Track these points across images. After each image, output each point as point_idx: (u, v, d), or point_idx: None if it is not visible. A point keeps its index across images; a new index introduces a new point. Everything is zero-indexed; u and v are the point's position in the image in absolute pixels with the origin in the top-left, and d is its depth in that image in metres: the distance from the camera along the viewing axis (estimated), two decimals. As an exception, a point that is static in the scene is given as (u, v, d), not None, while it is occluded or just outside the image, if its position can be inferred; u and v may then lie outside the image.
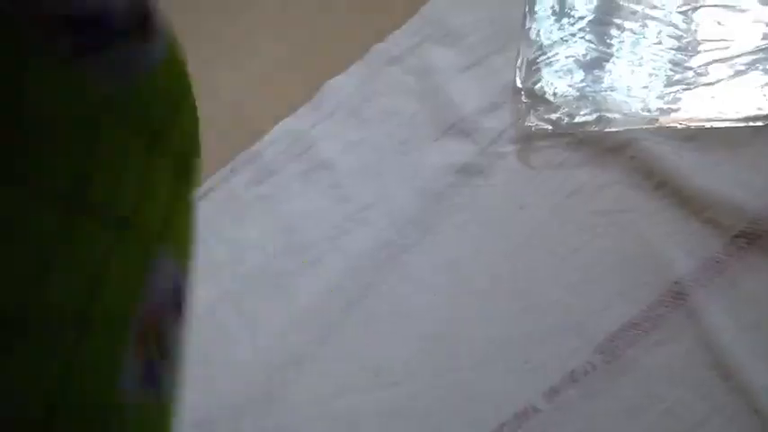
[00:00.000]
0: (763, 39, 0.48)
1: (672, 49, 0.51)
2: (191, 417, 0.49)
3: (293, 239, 0.57)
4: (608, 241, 0.46)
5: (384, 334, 0.50)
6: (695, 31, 0.50)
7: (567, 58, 0.53)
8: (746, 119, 0.47)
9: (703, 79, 0.49)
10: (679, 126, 0.49)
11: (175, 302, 0.25)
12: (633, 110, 0.50)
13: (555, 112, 0.51)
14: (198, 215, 0.25)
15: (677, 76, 0.50)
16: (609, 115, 0.50)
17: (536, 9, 0.55)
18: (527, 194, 0.51)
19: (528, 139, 0.53)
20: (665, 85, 0.50)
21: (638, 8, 0.52)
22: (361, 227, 0.56)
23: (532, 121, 0.51)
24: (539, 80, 0.53)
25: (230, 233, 0.60)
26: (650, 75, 0.51)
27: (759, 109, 0.47)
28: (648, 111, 0.50)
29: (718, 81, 0.48)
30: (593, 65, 0.52)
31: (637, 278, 0.44)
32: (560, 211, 0.49)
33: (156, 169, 0.23)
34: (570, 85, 0.52)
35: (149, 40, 0.22)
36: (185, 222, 0.26)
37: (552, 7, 0.55)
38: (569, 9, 0.54)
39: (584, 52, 0.53)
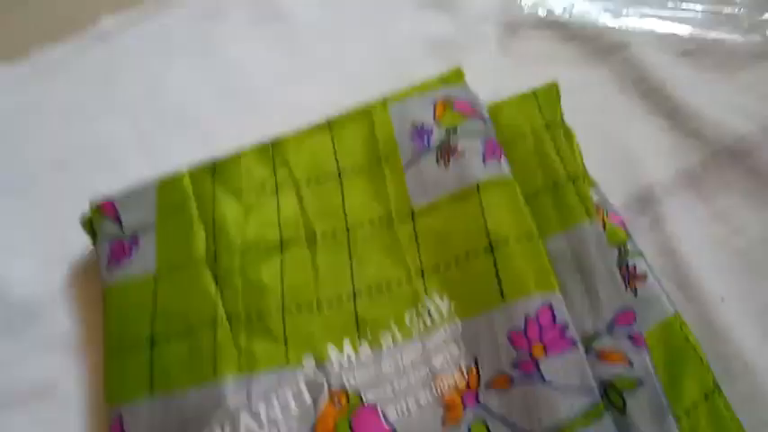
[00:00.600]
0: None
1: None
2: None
3: (228, 85, 0.50)
4: (583, 140, 0.41)
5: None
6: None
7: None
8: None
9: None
10: (680, 33, 0.44)
11: None
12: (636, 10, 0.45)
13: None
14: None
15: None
16: (610, 12, 0.45)
17: None
18: (502, 83, 0.45)
19: (515, 26, 0.47)
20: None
21: None
22: (310, 84, 0.49)
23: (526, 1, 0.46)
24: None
25: (157, 68, 0.52)
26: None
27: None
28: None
29: None
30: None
31: (607, 180, 0.40)
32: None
33: None
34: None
35: None
36: None
37: None
38: None
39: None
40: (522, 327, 0.34)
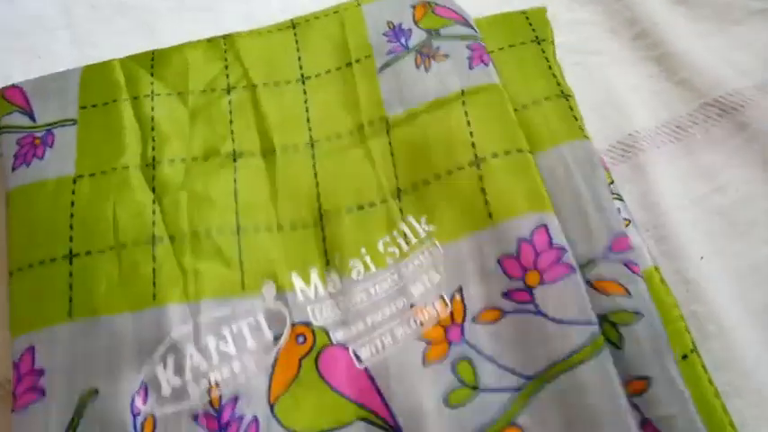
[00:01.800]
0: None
1: None
2: None
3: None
4: (568, 80, 0.38)
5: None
6: None
7: None
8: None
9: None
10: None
11: None
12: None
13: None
14: None
15: None
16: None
17: None
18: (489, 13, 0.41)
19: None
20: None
21: None
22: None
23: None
24: None
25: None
26: None
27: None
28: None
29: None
30: None
31: (590, 122, 0.36)
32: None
33: None
34: None
35: None
36: None
37: None
38: None
39: None
40: (515, 251, 0.31)
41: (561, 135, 0.34)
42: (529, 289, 0.30)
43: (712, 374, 0.30)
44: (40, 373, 0.30)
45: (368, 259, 0.33)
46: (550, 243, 0.31)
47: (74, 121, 0.36)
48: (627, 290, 0.30)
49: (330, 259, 0.33)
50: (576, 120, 0.35)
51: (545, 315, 0.29)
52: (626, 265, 0.30)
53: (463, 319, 0.31)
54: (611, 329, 0.29)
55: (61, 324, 0.31)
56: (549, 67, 0.37)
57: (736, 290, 0.33)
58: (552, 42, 0.39)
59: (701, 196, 0.36)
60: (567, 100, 0.36)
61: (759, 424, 0.30)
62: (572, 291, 0.29)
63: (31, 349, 0.30)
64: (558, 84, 0.36)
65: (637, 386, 0.28)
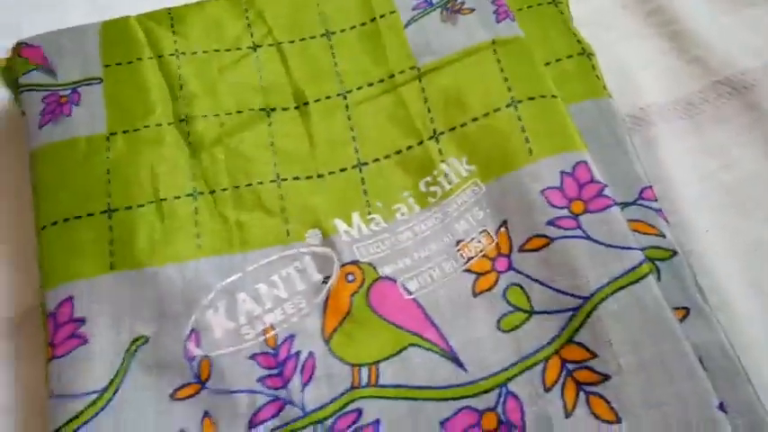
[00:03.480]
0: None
1: None
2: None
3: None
4: None
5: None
6: None
7: None
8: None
9: None
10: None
11: None
12: None
13: None
14: None
15: None
16: None
17: None
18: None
19: None
20: None
21: None
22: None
23: None
24: None
25: None
26: None
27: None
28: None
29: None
30: None
31: None
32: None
33: None
34: None
35: None
36: None
37: None
38: None
39: None
40: (559, 183, 0.32)
41: (585, 92, 0.36)
42: (575, 216, 0.31)
43: None
44: (81, 321, 0.30)
45: (411, 201, 0.34)
46: (592, 178, 0.32)
47: (99, 80, 0.36)
48: (661, 231, 0.32)
49: (372, 203, 0.34)
50: (599, 78, 0.37)
51: (593, 239, 0.31)
52: (656, 211, 0.33)
53: (510, 250, 0.32)
54: (651, 266, 0.31)
55: (103, 275, 0.31)
56: (569, 28, 0.38)
57: (738, 264, 0.35)
58: (567, 5, 0.40)
59: (709, 173, 0.38)
60: (590, 59, 0.37)
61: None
62: (617, 220, 0.31)
63: (70, 299, 0.30)
64: (579, 42, 0.38)
65: (677, 315, 0.30)
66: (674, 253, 0.32)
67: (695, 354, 0.29)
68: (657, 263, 0.31)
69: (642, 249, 0.31)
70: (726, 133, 0.39)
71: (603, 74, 0.39)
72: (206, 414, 0.29)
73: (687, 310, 0.30)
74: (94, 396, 0.28)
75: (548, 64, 0.37)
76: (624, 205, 0.33)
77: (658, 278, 0.31)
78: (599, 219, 0.31)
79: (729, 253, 0.35)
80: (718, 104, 0.40)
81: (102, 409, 0.28)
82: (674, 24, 0.43)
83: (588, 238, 0.31)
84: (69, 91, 0.35)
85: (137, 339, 0.30)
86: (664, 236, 0.32)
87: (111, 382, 0.29)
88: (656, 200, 0.33)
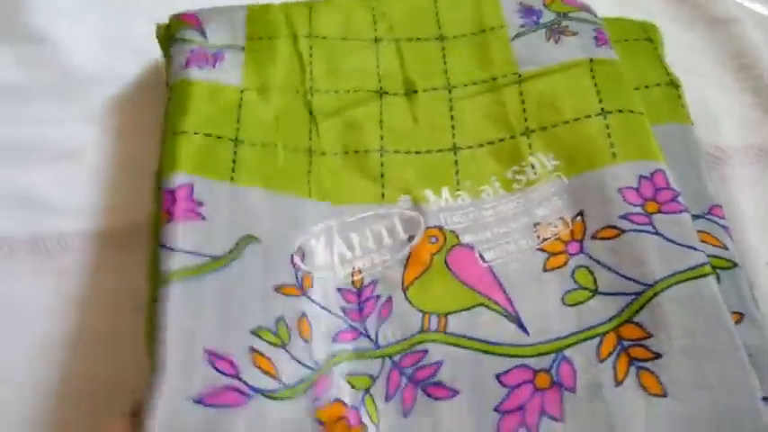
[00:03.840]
0: None
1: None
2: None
3: None
4: None
5: None
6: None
7: None
8: None
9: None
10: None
11: None
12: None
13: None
14: None
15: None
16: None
17: None
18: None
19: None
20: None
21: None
22: None
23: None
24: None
25: None
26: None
27: None
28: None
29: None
30: None
31: None
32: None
33: None
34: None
35: None
36: None
37: None
38: None
39: None
40: (636, 185, 0.35)
41: (669, 116, 0.40)
42: (648, 215, 0.34)
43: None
44: (200, 203, 0.33)
45: (497, 185, 0.37)
46: (668, 185, 0.35)
47: (242, 48, 0.41)
48: (724, 244, 0.35)
49: (461, 182, 0.38)
50: (683, 107, 0.40)
51: (663, 236, 0.33)
52: (724, 227, 0.35)
53: (583, 237, 0.35)
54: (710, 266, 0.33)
55: (222, 182, 0.34)
56: (660, 60, 0.43)
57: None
58: (662, 45, 0.44)
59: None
60: (677, 89, 0.41)
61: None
62: (686, 224, 0.34)
63: (191, 185, 0.33)
64: (668, 74, 0.42)
65: (734, 318, 0.32)
66: (735, 265, 0.34)
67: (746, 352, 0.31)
68: (718, 271, 0.34)
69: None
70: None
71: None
72: (303, 314, 0.31)
73: (742, 315, 0.32)
74: (207, 259, 0.31)
75: (636, 89, 0.41)
76: (694, 217, 0.35)
77: (718, 282, 0.33)
78: (670, 220, 0.34)
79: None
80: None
81: (216, 271, 0.31)
82: (760, 81, 0.46)
83: (658, 234, 0.33)
84: (215, 51, 0.40)
85: (250, 236, 0.33)
86: (727, 248, 0.35)
87: (227, 255, 0.31)
88: (724, 218, 0.36)
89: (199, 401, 0.27)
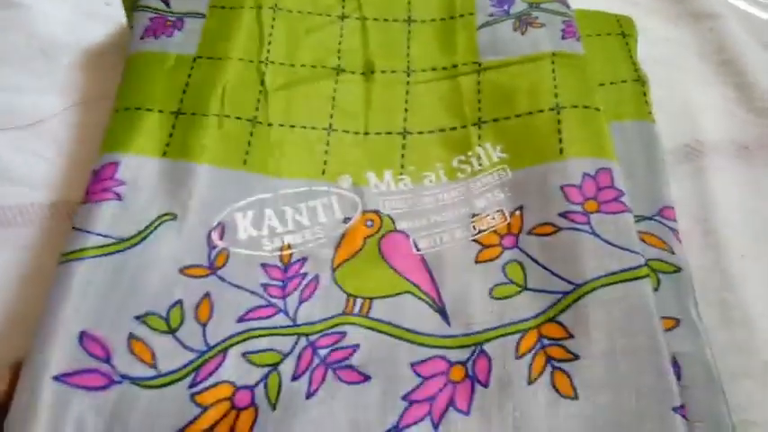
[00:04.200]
0: None
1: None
2: None
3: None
4: (653, 87, 0.41)
5: None
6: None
7: None
8: None
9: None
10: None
11: None
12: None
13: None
14: None
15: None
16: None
17: None
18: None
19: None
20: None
21: None
22: None
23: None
24: None
25: None
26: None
27: None
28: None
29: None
30: None
31: (664, 124, 0.39)
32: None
33: None
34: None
35: None
36: None
37: None
38: None
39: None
40: (579, 182, 0.33)
41: (632, 113, 0.38)
42: (586, 213, 0.33)
43: (730, 356, 0.32)
44: (120, 182, 0.33)
45: (441, 172, 0.36)
46: (612, 184, 0.34)
47: (203, 15, 0.41)
48: (670, 248, 0.33)
49: (405, 166, 0.37)
50: (647, 104, 0.39)
51: (599, 236, 0.32)
52: (672, 230, 0.34)
53: (519, 231, 0.34)
54: (651, 274, 0.32)
55: (152, 157, 0.34)
56: (630, 56, 0.41)
57: (766, 291, 0.34)
58: (635, 40, 0.42)
59: (754, 207, 0.38)
60: (643, 86, 0.39)
61: (765, 407, 0.31)
62: (626, 225, 0.32)
63: (115, 164, 0.33)
64: (636, 70, 0.40)
65: (668, 324, 0.31)
66: (679, 269, 0.32)
67: (674, 358, 0.29)
68: (660, 274, 0.32)
69: (647, 259, 0.32)
70: (777, 176, 0.39)
71: (666, 105, 0.41)
72: (206, 295, 0.31)
73: (678, 321, 0.31)
74: (112, 240, 0.31)
75: (602, 85, 0.40)
76: (643, 218, 0.34)
77: (657, 288, 0.32)
78: (609, 220, 0.32)
79: (760, 279, 0.35)
80: (772, 154, 0.40)
81: (113, 253, 0.30)
82: (742, 77, 0.44)
83: (594, 234, 0.32)
84: (175, 18, 0.40)
85: (166, 214, 0.32)
86: (673, 252, 0.33)
87: (131, 237, 0.31)
88: (675, 220, 0.34)
89: (57, 378, 0.26)
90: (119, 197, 0.32)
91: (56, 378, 0.27)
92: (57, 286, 0.29)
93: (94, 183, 0.33)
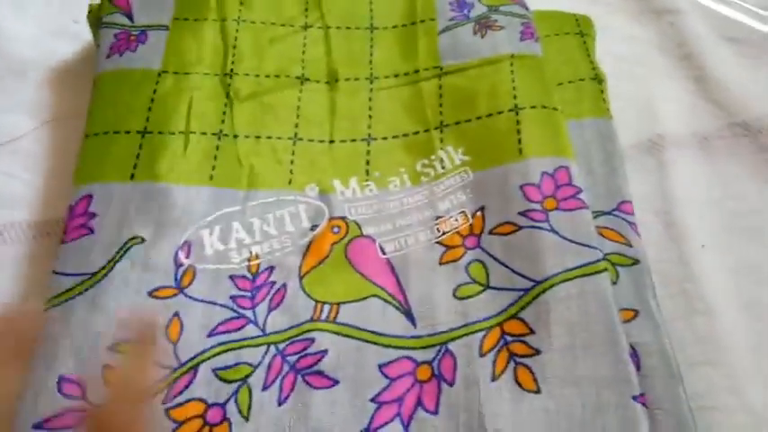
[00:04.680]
0: None
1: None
2: None
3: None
4: (614, 83, 0.42)
5: None
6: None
7: None
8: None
9: None
10: (733, 18, 0.47)
11: None
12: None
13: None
14: None
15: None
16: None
17: None
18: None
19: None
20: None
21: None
22: None
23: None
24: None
25: None
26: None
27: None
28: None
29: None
30: None
31: (626, 119, 0.41)
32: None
33: None
34: None
35: None
36: None
37: None
38: None
39: None
40: (538, 181, 0.34)
41: (590, 111, 0.39)
42: (545, 211, 0.33)
43: (692, 345, 0.33)
44: (92, 215, 0.34)
45: (405, 177, 0.37)
46: (570, 181, 0.34)
47: (166, 28, 0.41)
48: (628, 241, 0.34)
49: (371, 173, 0.37)
50: (605, 102, 0.39)
51: (557, 233, 0.33)
52: (630, 224, 0.35)
53: (481, 231, 0.34)
54: (610, 267, 0.33)
55: (121, 183, 0.35)
56: (588, 55, 0.42)
57: (729, 280, 0.35)
58: (593, 38, 0.43)
59: (714, 199, 0.38)
60: (600, 84, 0.40)
61: (725, 394, 0.31)
62: (584, 221, 0.33)
63: (89, 197, 0.34)
64: (594, 69, 0.41)
65: (626, 315, 0.32)
66: (637, 262, 0.33)
67: (633, 348, 0.30)
68: (618, 268, 0.33)
69: (606, 253, 0.33)
70: (736, 168, 0.40)
71: (630, 101, 0.42)
72: (176, 315, 0.31)
73: (637, 312, 0.32)
74: (85, 277, 0.32)
75: (560, 84, 0.40)
76: (601, 213, 0.35)
77: (615, 281, 0.33)
78: (567, 216, 0.33)
79: (721, 269, 0.36)
80: (732, 142, 0.41)
81: (87, 290, 0.31)
82: (703, 70, 0.45)
83: (553, 231, 0.33)
84: (139, 32, 0.41)
85: (134, 238, 0.33)
86: (630, 245, 0.34)
87: (102, 269, 0.32)
88: (633, 214, 0.35)
89: (38, 426, 0.28)
90: (91, 231, 0.33)
91: (36, 426, 0.28)
92: (42, 336, 0.30)
93: (70, 220, 0.34)
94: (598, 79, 0.40)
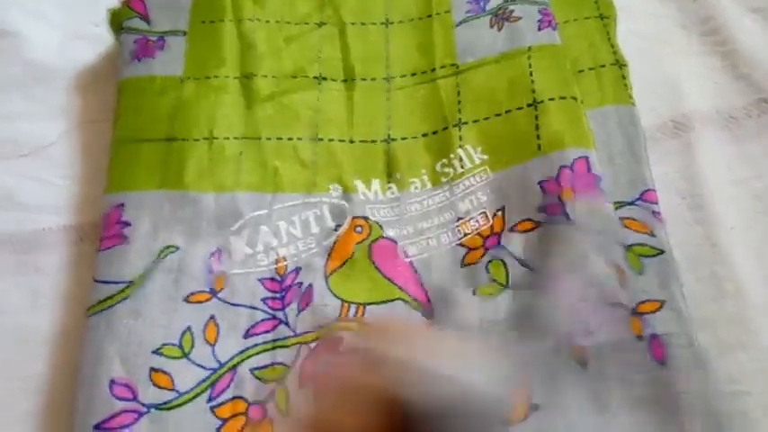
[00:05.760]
0: None
1: None
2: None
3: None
4: (637, 63, 0.41)
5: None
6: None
7: None
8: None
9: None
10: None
11: None
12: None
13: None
14: None
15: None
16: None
17: None
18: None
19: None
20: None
21: None
22: None
23: None
24: None
25: None
26: None
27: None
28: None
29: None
30: None
31: (650, 101, 0.40)
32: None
33: None
34: None
35: None
36: None
37: None
38: None
39: None
40: (555, 175, 0.34)
41: (611, 98, 0.39)
42: (562, 203, 0.34)
43: (723, 328, 0.33)
44: (126, 224, 0.35)
45: (425, 178, 0.37)
46: (588, 170, 0.34)
47: (184, 33, 0.42)
48: (652, 231, 0.34)
49: (392, 174, 0.38)
50: (627, 87, 0.39)
51: (572, 222, 0.33)
52: (654, 213, 0.34)
53: (502, 230, 0.35)
54: (634, 258, 0.33)
55: (151, 191, 0.36)
56: (609, 39, 0.41)
57: (758, 262, 0.35)
58: (615, 21, 0.42)
59: (741, 179, 0.38)
60: (621, 69, 0.40)
61: (758, 377, 0.31)
62: (600, 207, 0.33)
63: (121, 206, 0.35)
64: (615, 54, 0.40)
65: (652, 306, 0.32)
66: (661, 252, 0.33)
67: (660, 339, 0.31)
68: (643, 258, 0.33)
69: (629, 246, 0.33)
70: (763, 147, 0.39)
71: (653, 81, 0.41)
72: (211, 318, 0.33)
73: (662, 303, 0.32)
74: (123, 285, 0.33)
75: (581, 71, 0.40)
76: (624, 204, 0.35)
77: (641, 272, 0.33)
78: (584, 204, 0.33)
79: (751, 250, 0.35)
80: (760, 120, 0.40)
81: (128, 297, 0.32)
82: (728, 44, 0.44)
83: (568, 220, 0.33)
84: (157, 38, 0.41)
85: (168, 247, 0.34)
86: (654, 235, 0.34)
87: (140, 277, 0.33)
88: (657, 202, 0.35)
89: (97, 427, 0.30)
90: (126, 239, 0.34)
91: (95, 427, 0.30)
92: (86, 341, 0.32)
93: (105, 229, 0.35)
94: (619, 64, 0.40)
